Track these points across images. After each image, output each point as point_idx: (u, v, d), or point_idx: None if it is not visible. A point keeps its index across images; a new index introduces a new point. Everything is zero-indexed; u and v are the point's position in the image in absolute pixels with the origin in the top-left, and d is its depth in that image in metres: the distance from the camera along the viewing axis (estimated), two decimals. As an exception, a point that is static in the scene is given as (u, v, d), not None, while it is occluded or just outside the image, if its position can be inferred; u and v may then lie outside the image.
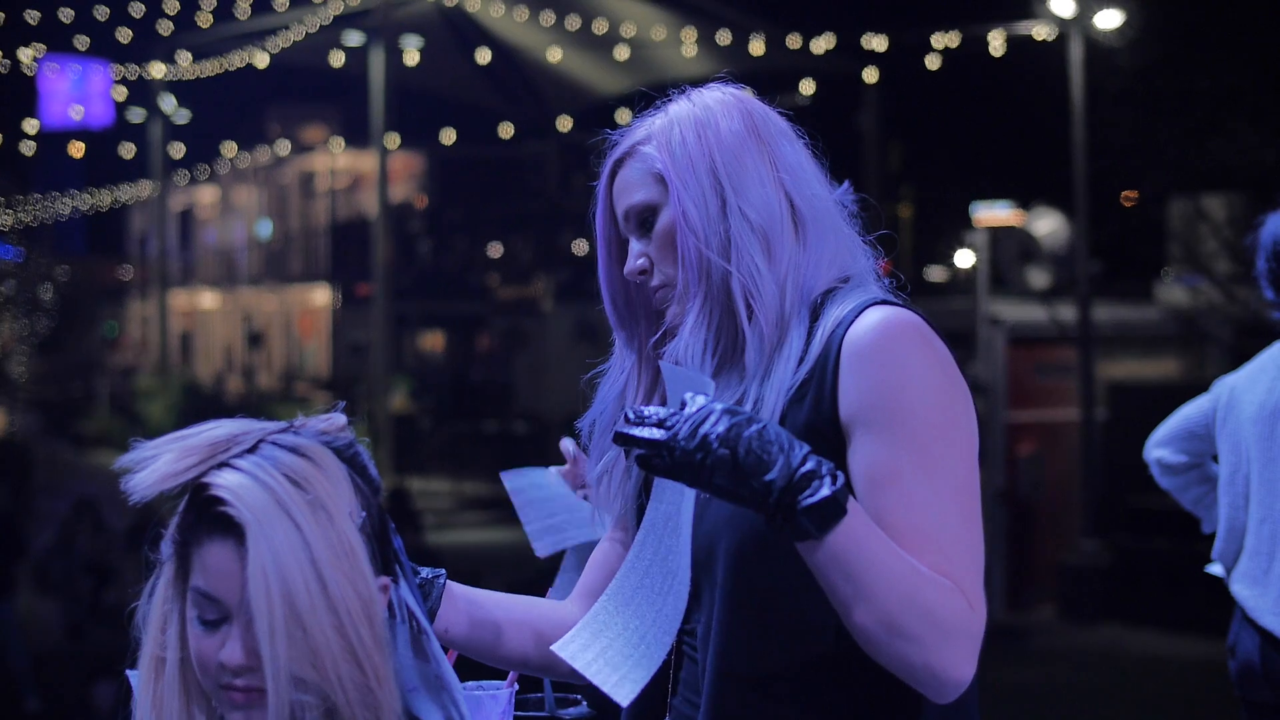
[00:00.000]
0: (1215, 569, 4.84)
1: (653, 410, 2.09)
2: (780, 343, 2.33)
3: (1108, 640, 17.26)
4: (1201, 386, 5.04)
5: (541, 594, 2.67)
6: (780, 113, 2.48)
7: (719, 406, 2.07)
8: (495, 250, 39.22)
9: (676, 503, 2.22)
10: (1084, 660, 16.21)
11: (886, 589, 2.08)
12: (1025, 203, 23.40)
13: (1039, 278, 21.95)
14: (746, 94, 2.48)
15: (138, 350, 51.01)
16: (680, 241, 2.38)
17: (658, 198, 2.41)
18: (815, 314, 2.34)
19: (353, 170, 42.60)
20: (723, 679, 2.29)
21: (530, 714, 2.63)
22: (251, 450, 1.83)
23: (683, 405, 2.08)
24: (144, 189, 45.53)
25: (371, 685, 1.79)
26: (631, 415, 2.09)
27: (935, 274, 30.89)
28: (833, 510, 2.05)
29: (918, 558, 2.13)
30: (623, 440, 2.09)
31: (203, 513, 1.81)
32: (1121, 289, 22.85)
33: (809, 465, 2.05)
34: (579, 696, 2.68)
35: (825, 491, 2.04)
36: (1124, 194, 23.41)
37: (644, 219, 2.44)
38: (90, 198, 49.39)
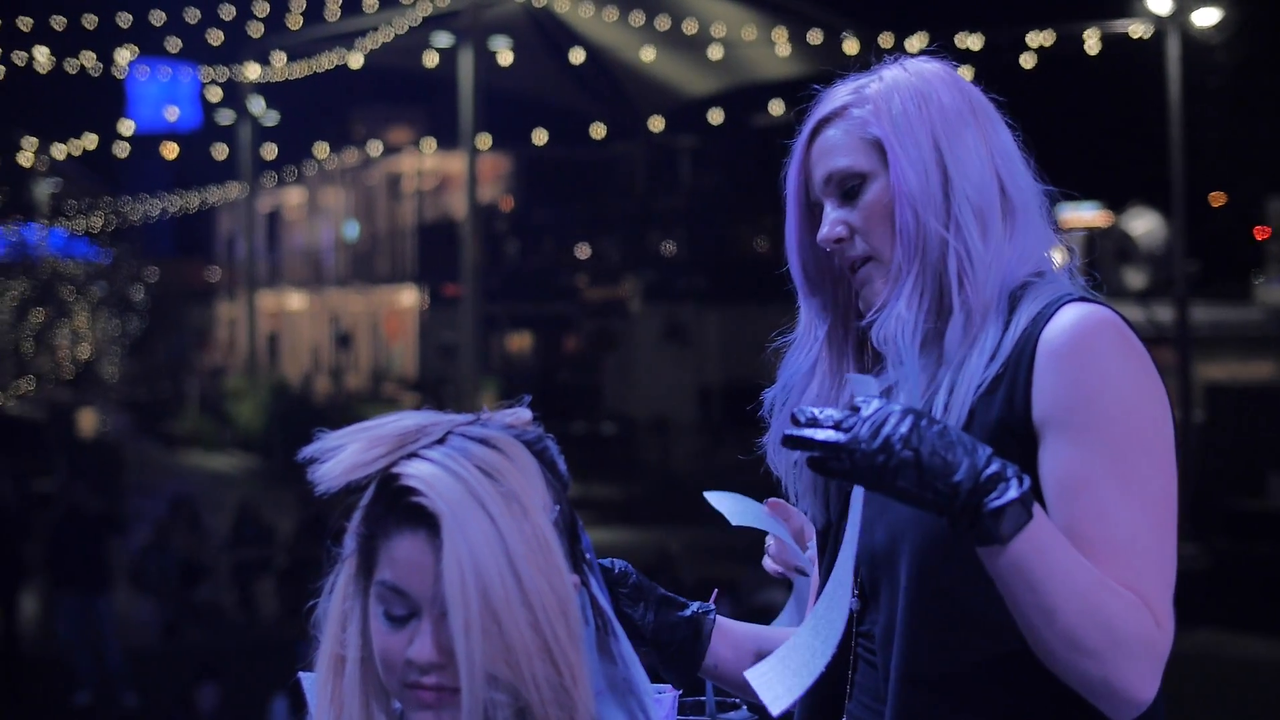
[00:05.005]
0: None
1: (828, 412, 2.01)
2: (978, 333, 2.24)
3: (1205, 645, 17.08)
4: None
5: None
6: (990, 96, 2.39)
7: (897, 408, 1.99)
8: (583, 251, 39.30)
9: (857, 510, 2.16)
10: (1181, 665, 16.02)
11: (1068, 600, 2.00)
12: (1118, 203, 23.21)
13: (1136, 278, 21.76)
14: (958, 71, 2.39)
15: (226, 351, 51.43)
16: (899, 214, 2.28)
17: (867, 165, 2.31)
18: (1011, 307, 2.26)
19: (439, 171, 42.79)
20: (908, 684, 2.22)
21: (691, 718, 2.57)
22: (440, 441, 1.77)
23: (854, 409, 2.01)
24: (232, 190, 45.91)
25: (566, 684, 1.73)
26: (803, 417, 2.02)
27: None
28: (1019, 514, 1.98)
29: (1105, 570, 2.05)
30: (796, 443, 2.02)
31: (393, 504, 1.75)
32: (1220, 289, 22.65)
33: (994, 467, 1.97)
34: (739, 700, 2.62)
35: (1013, 494, 1.97)
36: (1215, 195, 23.24)
37: (848, 185, 2.33)
38: (179, 199, 49.86)
